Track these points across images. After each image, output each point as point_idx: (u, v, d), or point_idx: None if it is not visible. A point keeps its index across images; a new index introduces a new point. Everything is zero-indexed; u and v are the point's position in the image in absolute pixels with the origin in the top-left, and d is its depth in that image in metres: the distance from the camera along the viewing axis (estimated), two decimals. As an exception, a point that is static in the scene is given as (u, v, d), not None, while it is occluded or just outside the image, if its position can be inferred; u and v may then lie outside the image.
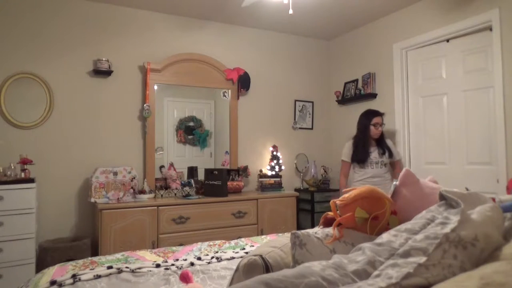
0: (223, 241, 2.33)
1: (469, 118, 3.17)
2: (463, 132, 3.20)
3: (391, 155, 3.44)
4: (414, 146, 3.62)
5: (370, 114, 3.43)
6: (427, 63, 3.51)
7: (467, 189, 1.21)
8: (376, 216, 1.26)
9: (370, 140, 3.44)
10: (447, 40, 3.31)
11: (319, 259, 1.05)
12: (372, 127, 3.38)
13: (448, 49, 3.32)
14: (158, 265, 1.80)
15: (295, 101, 4.44)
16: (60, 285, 1.54)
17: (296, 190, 4.23)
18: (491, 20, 2.90)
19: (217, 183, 3.52)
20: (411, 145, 3.65)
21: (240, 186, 3.81)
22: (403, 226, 1.01)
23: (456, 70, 3.27)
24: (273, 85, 4.32)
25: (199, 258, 1.91)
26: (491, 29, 2.95)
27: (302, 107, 4.49)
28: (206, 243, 2.28)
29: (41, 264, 2.78)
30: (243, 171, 3.94)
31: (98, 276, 1.63)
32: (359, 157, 3.41)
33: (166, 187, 3.57)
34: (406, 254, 0.87)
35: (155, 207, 3.16)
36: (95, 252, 3.03)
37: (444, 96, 3.36)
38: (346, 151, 3.53)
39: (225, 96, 4.01)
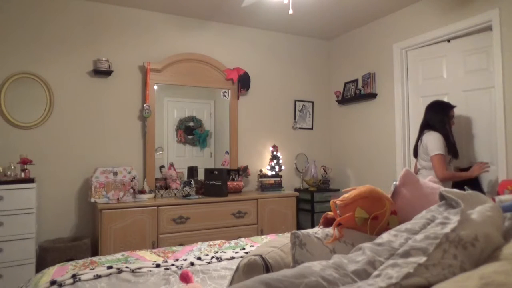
0: (223, 241, 2.33)
1: (469, 118, 3.17)
2: (463, 132, 3.19)
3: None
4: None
5: (446, 107, 2.95)
6: (427, 63, 3.51)
7: (466, 189, 1.21)
8: (376, 216, 1.26)
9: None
10: (448, 40, 3.31)
11: (319, 259, 1.05)
12: (449, 121, 2.93)
13: (449, 49, 3.32)
14: (158, 265, 1.80)
15: (295, 101, 4.44)
16: (60, 285, 1.54)
17: (296, 190, 4.23)
18: (491, 20, 2.90)
19: (217, 183, 3.51)
20: (411, 145, 3.64)
21: (240, 186, 3.81)
22: (403, 226, 1.01)
23: (456, 70, 3.27)
24: (273, 85, 4.32)
25: (199, 258, 1.91)
26: (491, 29, 2.95)
27: (302, 107, 4.49)
28: (206, 243, 2.28)
29: (41, 264, 2.78)
30: (243, 171, 3.94)
31: (98, 276, 1.63)
32: (453, 150, 2.87)
33: (166, 187, 3.57)
34: (406, 254, 0.87)
35: (155, 207, 3.16)
36: (95, 252, 3.03)
37: (444, 96, 3.35)
38: (439, 143, 2.82)
39: (225, 96, 4.01)
